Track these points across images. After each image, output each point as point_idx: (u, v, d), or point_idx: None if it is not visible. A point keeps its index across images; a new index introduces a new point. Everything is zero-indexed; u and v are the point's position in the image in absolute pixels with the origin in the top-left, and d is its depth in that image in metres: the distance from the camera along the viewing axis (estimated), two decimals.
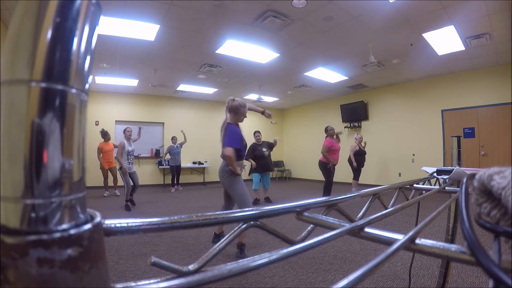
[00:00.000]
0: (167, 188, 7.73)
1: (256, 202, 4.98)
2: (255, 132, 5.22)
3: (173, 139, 7.28)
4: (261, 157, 4.98)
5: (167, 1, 3.43)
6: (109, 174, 6.23)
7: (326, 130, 5.14)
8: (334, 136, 5.14)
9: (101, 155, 5.95)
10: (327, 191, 5.04)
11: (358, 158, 5.58)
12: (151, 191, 6.96)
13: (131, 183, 4.58)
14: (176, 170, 7.20)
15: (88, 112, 0.16)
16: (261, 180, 5.20)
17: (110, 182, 6.34)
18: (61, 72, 0.14)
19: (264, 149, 5.03)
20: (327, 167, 4.96)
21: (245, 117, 2.58)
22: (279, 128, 11.19)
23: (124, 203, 4.67)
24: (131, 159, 4.62)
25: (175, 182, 7.29)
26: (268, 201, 5.31)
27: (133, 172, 4.64)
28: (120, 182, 4.64)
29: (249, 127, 10.44)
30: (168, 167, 7.54)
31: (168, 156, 7.26)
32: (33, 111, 0.13)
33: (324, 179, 5.12)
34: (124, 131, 4.67)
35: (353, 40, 4.62)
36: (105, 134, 6.00)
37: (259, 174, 5.11)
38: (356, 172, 5.63)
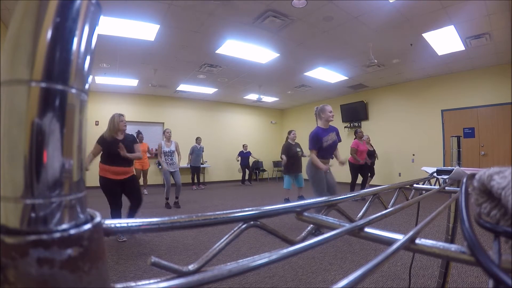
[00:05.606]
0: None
1: (286, 202, 4.84)
2: (290, 131, 5.09)
3: (197, 139, 7.57)
4: (292, 157, 4.79)
5: (167, 1, 3.43)
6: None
7: (356, 132, 5.68)
8: (362, 139, 5.62)
9: None
10: (353, 189, 5.37)
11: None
12: (151, 192, 6.94)
13: (172, 182, 4.80)
14: (195, 170, 7.62)
15: (88, 112, 0.16)
16: (295, 180, 5.10)
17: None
18: (61, 72, 0.14)
19: (298, 149, 4.88)
20: (355, 166, 5.42)
21: (330, 119, 3.13)
22: (279, 128, 11.18)
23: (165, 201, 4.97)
24: (169, 160, 4.78)
25: (197, 181, 7.76)
26: (302, 199, 5.16)
27: (174, 171, 4.78)
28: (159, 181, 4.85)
29: (249, 126, 10.45)
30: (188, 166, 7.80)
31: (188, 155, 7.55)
32: (33, 111, 0.13)
33: (351, 179, 5.54)
34: (164, 132, 4.95)
35: (353, 40, 4.62)
36: (136, 136, 6.19)
37: (290, 176, 4.95)
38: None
